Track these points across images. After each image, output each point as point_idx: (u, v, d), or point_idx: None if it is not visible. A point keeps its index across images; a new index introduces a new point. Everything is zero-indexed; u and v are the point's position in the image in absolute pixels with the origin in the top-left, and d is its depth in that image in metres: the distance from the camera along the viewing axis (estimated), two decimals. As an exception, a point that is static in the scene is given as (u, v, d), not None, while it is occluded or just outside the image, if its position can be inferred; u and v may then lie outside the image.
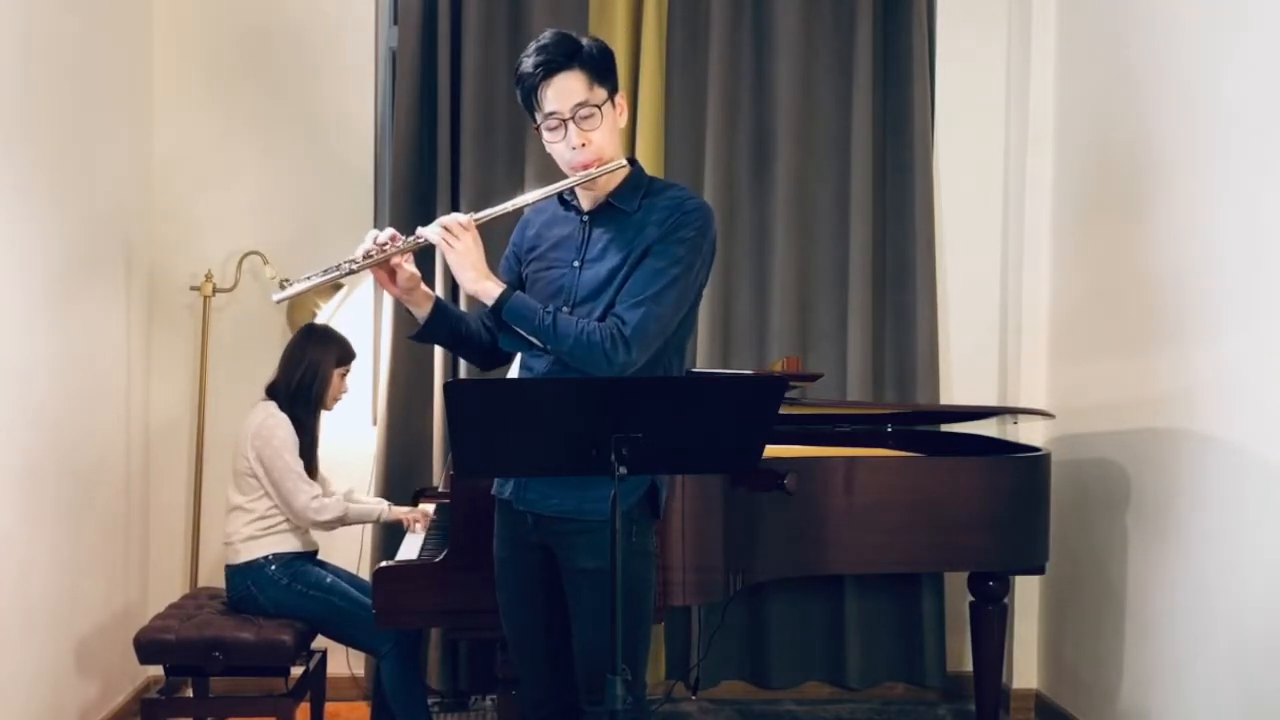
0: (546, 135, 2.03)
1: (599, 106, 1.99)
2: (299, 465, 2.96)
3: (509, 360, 2.28)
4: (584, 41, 2.01)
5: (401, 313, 2.14)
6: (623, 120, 2.07)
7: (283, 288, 3.50)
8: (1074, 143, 3.48)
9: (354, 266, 1.99)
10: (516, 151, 3.56)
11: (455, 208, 3.55)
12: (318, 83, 3.68)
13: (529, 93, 2.00)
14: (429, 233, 1.99)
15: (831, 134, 3.72)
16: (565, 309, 2.02)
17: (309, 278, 2.03)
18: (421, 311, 2.09)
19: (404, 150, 3.58)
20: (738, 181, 3.71)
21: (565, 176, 2.05)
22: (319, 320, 3.42)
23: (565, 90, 1.97)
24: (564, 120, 1.98)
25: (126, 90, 3.47)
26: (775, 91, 3.67)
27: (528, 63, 1.99)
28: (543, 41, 1.99)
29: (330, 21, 3.68)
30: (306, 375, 3.03)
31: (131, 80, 3.51)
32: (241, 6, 3.67)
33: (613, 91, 2.03)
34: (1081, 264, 3.43)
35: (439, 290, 3.46)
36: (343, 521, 3.02)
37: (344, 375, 3.12)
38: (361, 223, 3.68)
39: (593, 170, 1.99)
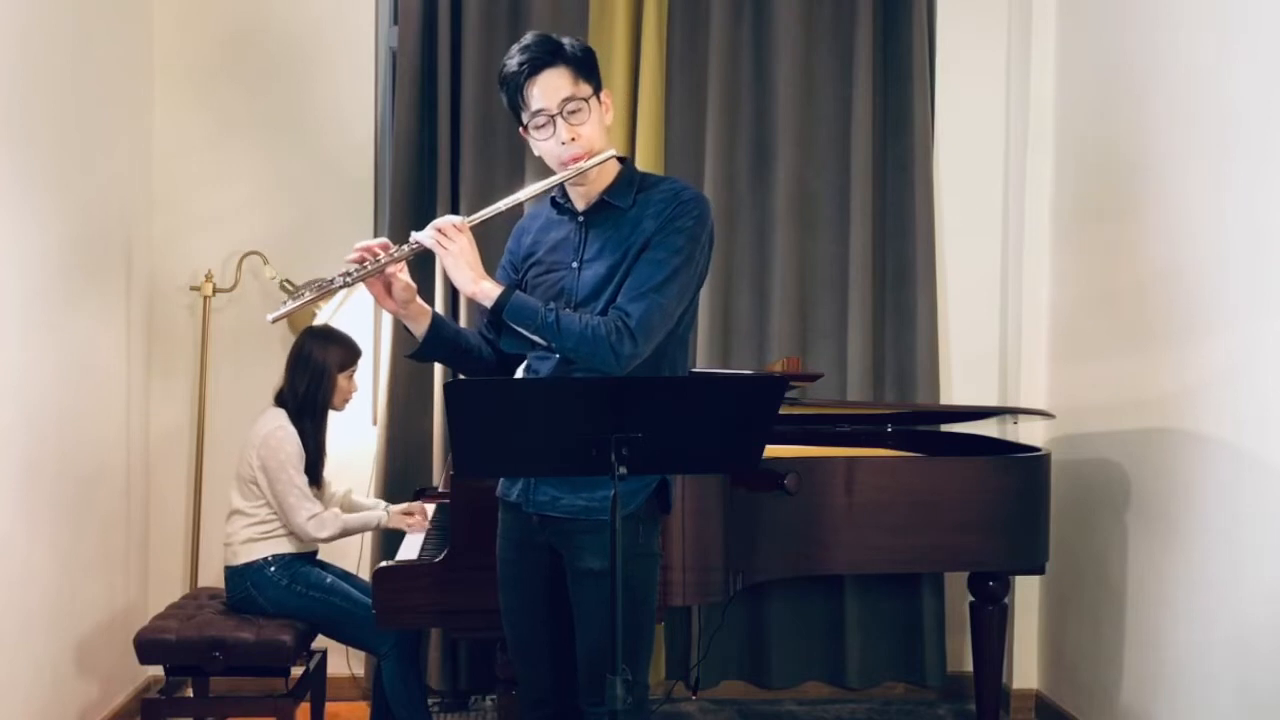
0: (534, 134, 2.02)
1: (586, 100, 1.99)
2: (302, 480, 2.96)
3: (511, 372, 2.27)
4: (566, 41, 2.01)
5: (400, 320, 2.11)
6: (609, 118, 2.06)
7: (283, 289, 3.50)
8: (1074, 143, 3.48)
9: (348, 280, 1.96)
10: (516, 151, 3.56)
11: (455, 208, 3.55)
12: (318, 82, 3.68)
13: (515, 92, 2.00)
14: (422, 237, 1.97)
15: (831, 134, 3.72)
16: (567, 310, 2.01)
17: (301, 295, 1.99)
18: (419, 326, 2.07)
19: (404, 150, 3.58)
20: (738, 181, 3.70)
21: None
22: (319, 321, 3.39)
23: (551, 86, 1.97)
24: (552, 116, 1.98)
25: (126, 90, 3.47)
26: (775, 91, 3.67)
27: (512, 63, 1.99)
28: (525, 42, 2.00)
29: (330, 21, 3.68)
30: (312, 381, 3.02)
31: (131, 80, 3.51)
32: (241, 7, 3.67)
33: (597, 89, 2.03)
34: (1081, 264, 3.43)
35: (439, 302, 3.46)
36: (343, 534, 3.03)
37: (350, 376, 3.11)
38: (362, 222, 3.68)
39: (583, 163, 1.98)
